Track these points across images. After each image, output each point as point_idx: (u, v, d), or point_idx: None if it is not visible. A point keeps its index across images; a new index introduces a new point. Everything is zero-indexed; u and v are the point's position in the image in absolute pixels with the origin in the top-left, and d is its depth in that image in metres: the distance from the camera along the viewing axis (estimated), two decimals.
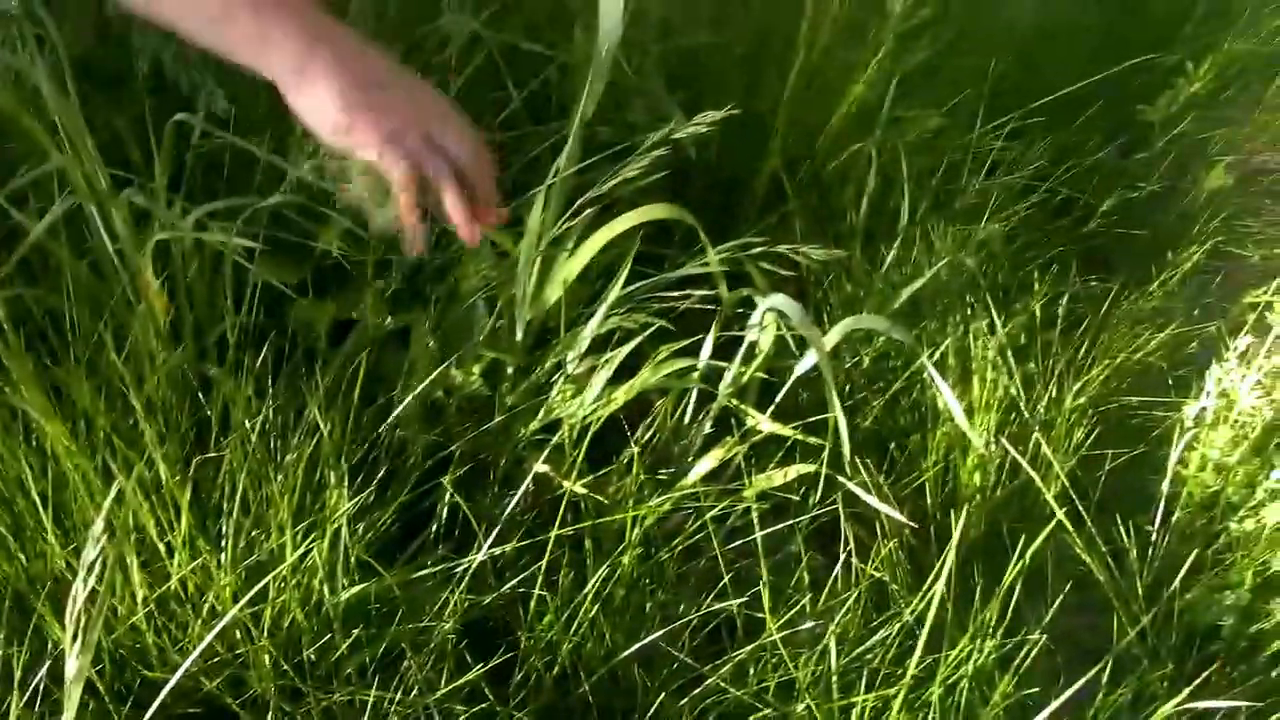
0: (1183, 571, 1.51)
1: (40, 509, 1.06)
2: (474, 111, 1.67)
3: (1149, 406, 1.88)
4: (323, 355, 1.37)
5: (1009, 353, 1.69)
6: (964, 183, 1.96)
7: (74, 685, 0.87)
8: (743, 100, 1.86)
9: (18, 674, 1.01)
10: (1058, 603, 1.44)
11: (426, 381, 1.30)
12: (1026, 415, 1.67)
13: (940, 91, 2.09)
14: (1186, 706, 1.19)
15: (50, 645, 1.06)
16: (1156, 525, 1.62)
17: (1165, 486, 1.66)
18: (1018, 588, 1.26)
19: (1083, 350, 1.82)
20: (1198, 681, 1.38)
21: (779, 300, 1.24)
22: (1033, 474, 1.51)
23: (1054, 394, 1.71)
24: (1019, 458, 1.53)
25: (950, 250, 1.82)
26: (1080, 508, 1.57)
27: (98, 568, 0.82)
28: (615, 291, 1.30)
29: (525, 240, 1.26)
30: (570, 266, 1.30)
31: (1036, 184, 2.12)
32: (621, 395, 1.35)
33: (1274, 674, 1.48)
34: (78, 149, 1.13)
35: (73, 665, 0.86)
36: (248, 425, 1.13)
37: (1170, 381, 1.95)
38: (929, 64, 2.01)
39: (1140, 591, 1.50)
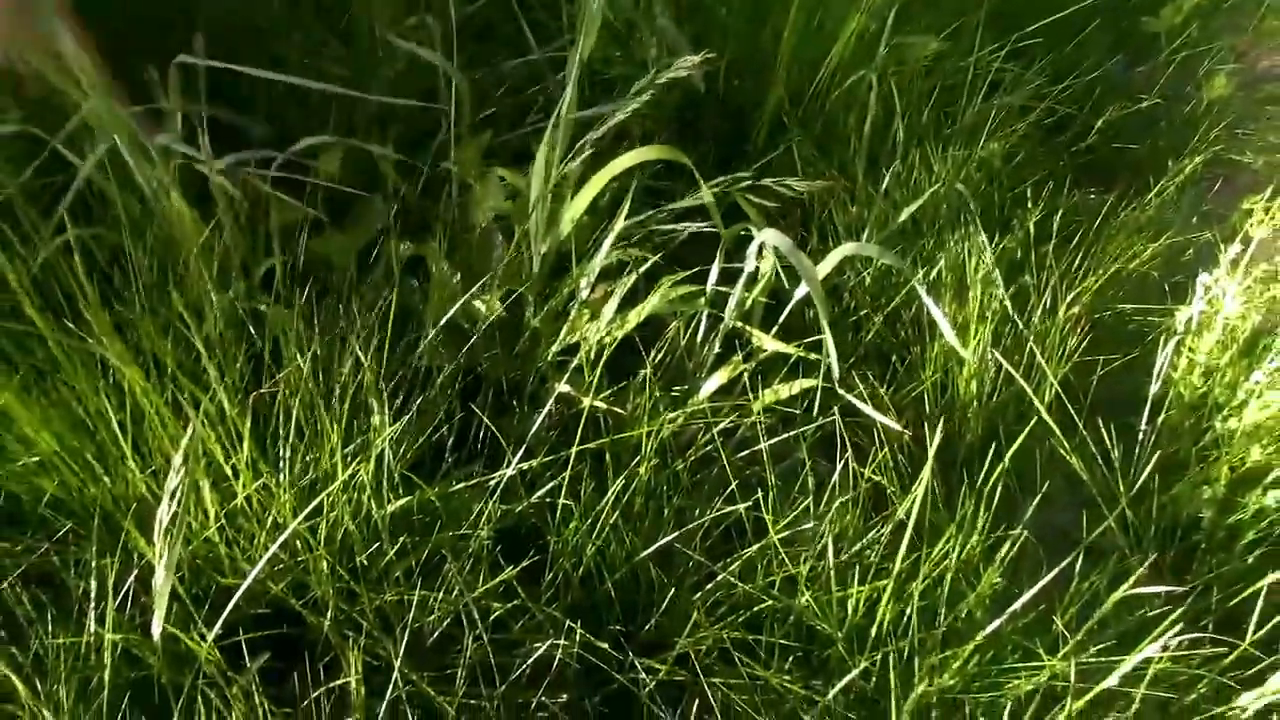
0: (1152, 466, 1.61)
1: (121, 439, 1.19)
2: (488, 46, 1.78)
3: (1143, 314, 1.97)
4: (351, 287, 1.49)
5: (1003, 266, 1.79)
6: (964, 104, 2.03)
7: (162, 593, 1.02)
8: (748, 35, 1.96)
9: (111, 581, 1.15)
10: (1045, 500, 1.55)
11: (451, 312, 1.41)
12: (1021, 326, 1.77)
13: (941, 17, 2.15)
14: (1140, 590, 1.29)
15: (136, 557, 1.21)
16: (1144, 425, 1.72)
17: (1155, 389, 1.76)
18: (999, 488, 1.37)
19: (1077, 261, 1.90)
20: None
21: (771, 234, 1.34)
22: (1023, 383, 1.62)
23: (1048, 304, 1.80)
24: (1010, 368, 1.64)
25: (950, 171, 1.91)
26: (1072, 411, 1.67)
27: (178, 493, 0.95)
28: (619, 224, 1.41)
29: (535, 177, 1.37)
30: (578, 203, 1.40)
31: (1035, 103, 2.19)
32: (634, 317, 1.47)
33: (1248, 560, 1.59)
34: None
35: (161, 576, 1.00)
36: (299, 358, 1.26)
37: (1166, 289, 2.04)
38: None
39: (1122, 486, 1.61)
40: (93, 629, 1.15)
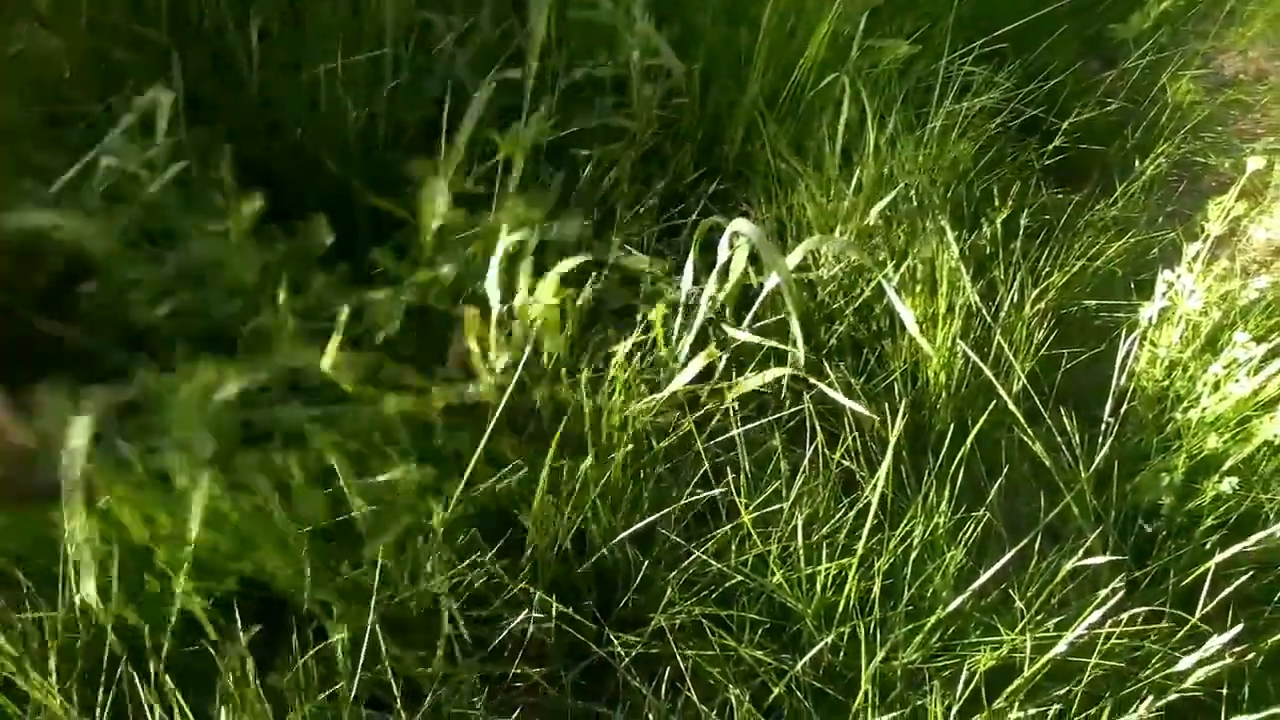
0: (1114, 455, 1.66)
1: None
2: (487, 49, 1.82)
3: (1109, 309, 2.03)
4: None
5: (972, 262, 1.85)
6: (935, 105, 2.09)
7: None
8: (726, 37, 2.02)
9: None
10: (1011, 487, 1.62)
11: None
12: (989, 319, 1.82)
13: (913, 21, 2.22)
14: (1091, 561, 1.35)
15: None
16: (1108, 416, 1.78)
17: (1119, 382, 1.81)
18: (962, 471, 1.43)
19: (1044, 258, 1.96)
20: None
21: (742, 224, 1.40)
22: (989, 374, 1.67)
23: (1016, 299, 1.86)
24: (977, 360, 1.69)
25: (922, 169, 1.97)
26: (1038, 402, 1.73)
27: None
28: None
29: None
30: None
31: (1005, 105, 2.25)
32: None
33: (1205, 546, 1.65)
34: None
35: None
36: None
37: (1131, 286, 2.10)
38: None
39: (1083, 473, 1.67)
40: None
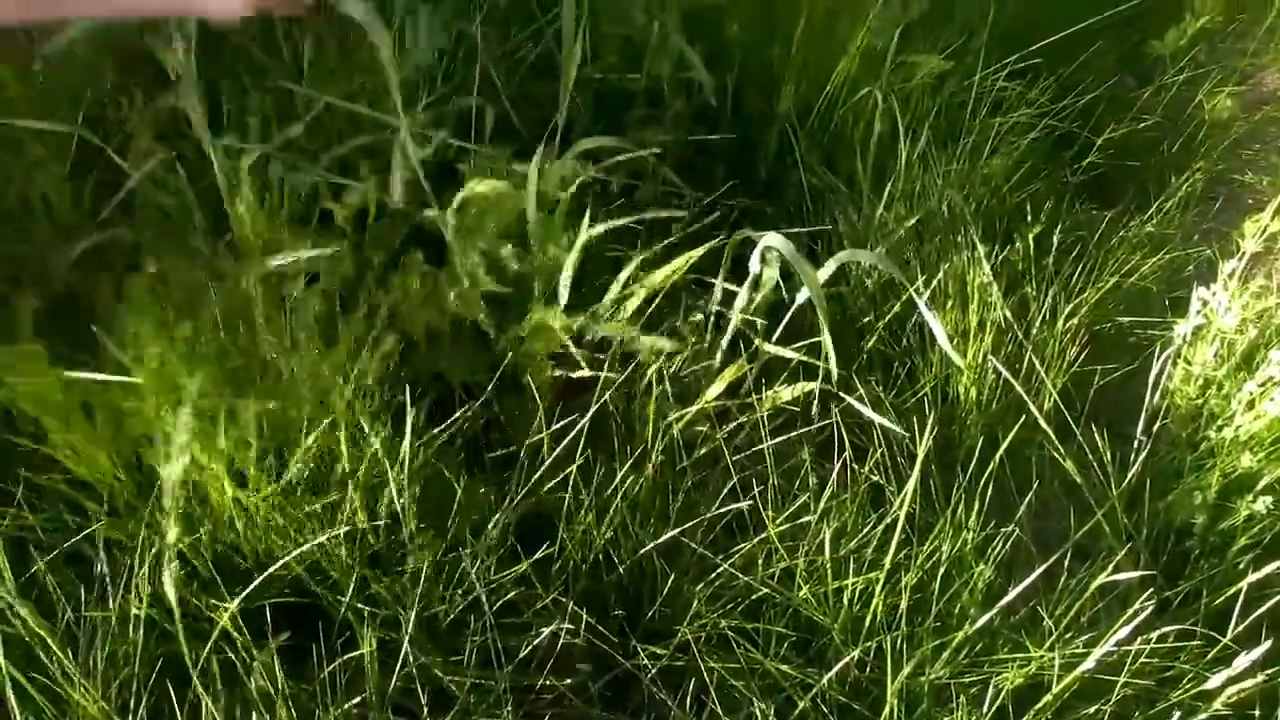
0: (1147, 473, 1.65)
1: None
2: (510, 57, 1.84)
3: (1142, 327, 2.02)
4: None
5: (1004, 278, 1.85)
6: (968, 120, 2.09)
7: (171, 548, 1.08)
8: (758, 51, 2.03)
9: (135, 558, 1.22)
10: (1042, 504, 1.62)
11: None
12: (1021, 335, 1.82)
13: (947, 36, 2.22)
14: (1119, 577, 1.34)
15: (159, 539, 1.27)
16: (1141, 434, 1.77)
17: (1152, 399, 1.80)
18: (990, 486, 1.43)
19: (1078, 274, 1.96)
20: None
21: (774, 238, 1.40)
22: (1020, 390, 1.67)
23: (1048, 315, 1.86)
24: (1008, 375, 1.69)
25: (954, 184, 1.97)
26: (1070, 419, 1.73)
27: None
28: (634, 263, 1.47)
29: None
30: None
31: (1039, 120, 2.25)
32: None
33: (1238, 565, 1.64)
34: None
35: (171, 533, 1.07)
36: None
37: (1165, 303, 2.09)
38: (934, 11, 2.14)
39: (1117, 492, 1.66)
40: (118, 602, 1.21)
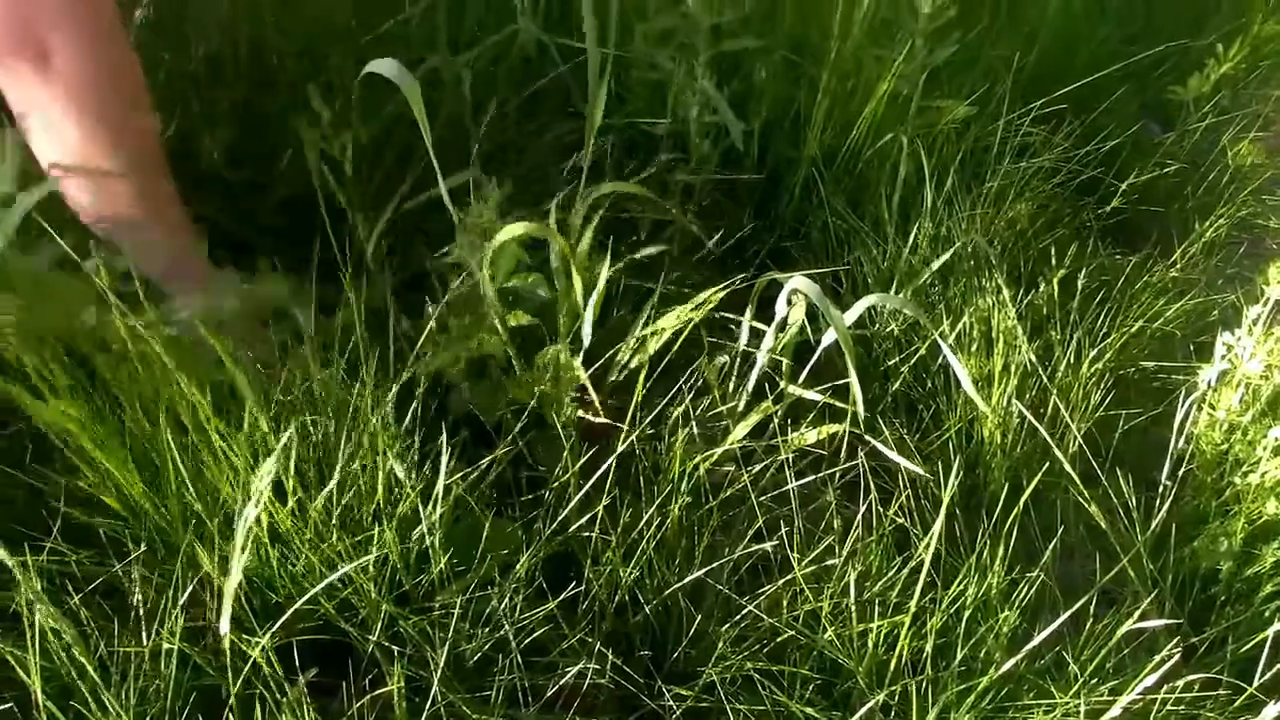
0: (1172, 519, 1.65)
1: (180, 466, 1.28)
2: (542, 106, 1.88)
3: (1167, 372, 2.02)
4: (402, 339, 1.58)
5: (1029, 322, 1.86)
6: (993, 165, 2.11)
7: (230, 591, 1.10)
8: (784, 95, 2.05)
9: (170, 594, 1.23)
10: (1066, 549, 1.63)
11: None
12: (1045, 379, 1.83)
13: (971, 82, 2.24)
14: (1145, 624, 1.34)
15: (192, 574, 1.29)
16: (1165, 479, 1.77)
17: (1177, 444, 1.80)
18: (1015, 530, 1.43)
19: (1102, 318, 1.96)
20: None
21: (800, 281, 1.42)
22: (1045, 434, 1.68)
23: (1072, 359, 1.86)
24: (1033, 420, 1.70)
25: (979, 228, 1.99)
26: (1094, 464, 1.73)
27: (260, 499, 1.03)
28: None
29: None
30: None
31: (1063, 165, 2.26)
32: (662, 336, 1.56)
33: (1265, 613, 1.63)
34: None
35: (235, 573, 1.08)
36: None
37: (1190, 348, 2.09)
38: (959, 57, 2.16)
39: (1140, 536, 1.66)
40: (153, 637, 1.22)
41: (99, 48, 1.29)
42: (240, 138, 1.79)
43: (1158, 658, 1.23)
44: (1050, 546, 1.52)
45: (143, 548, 1.31)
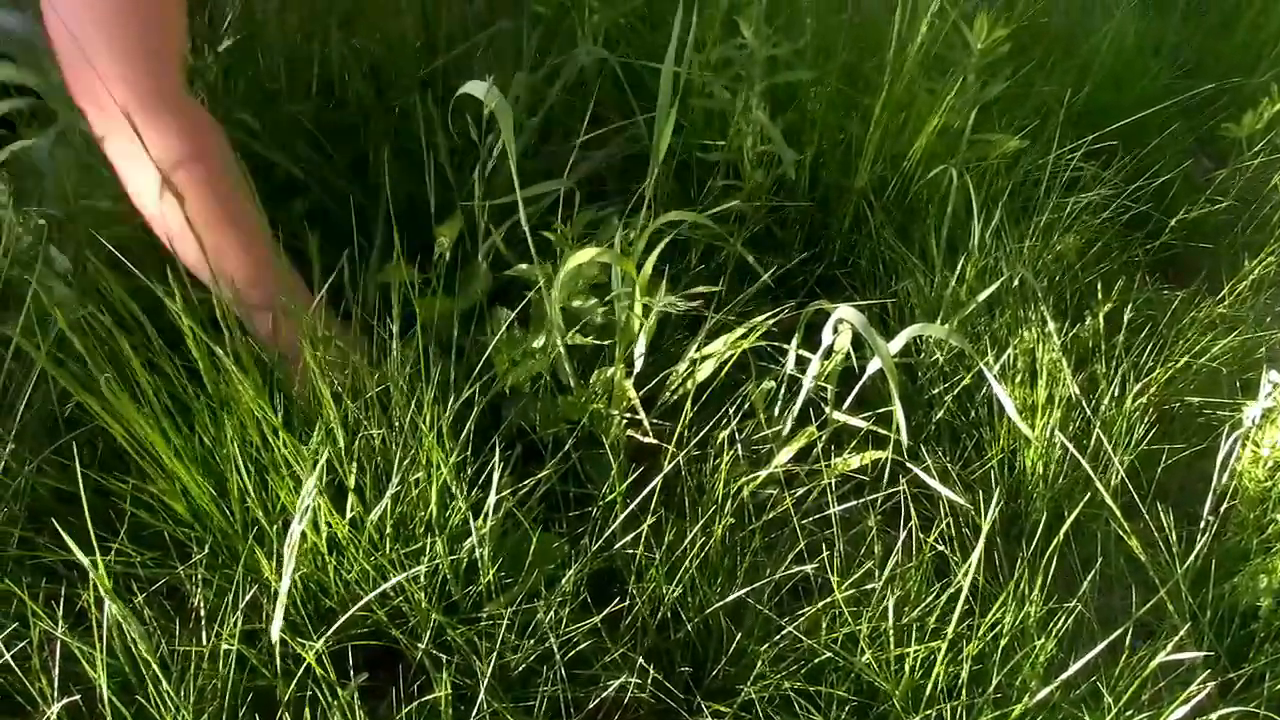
0: (1213, 554, 1.66)
1: (243, 472, 1.33)
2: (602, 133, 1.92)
3: (1212, 408, 2.03)
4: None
5: (1074, 354, 1.87)
6: (1042, 199, 2.13)
7: (282, 597, 1.14)
8: (837, 126, 2.09)
9: (229, 597, 1.28)
10: (1106, 581, 1.64)
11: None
12: (1089, 412, 1.84)
13: (1022, 116, 2.26)
14: (1180, 656, 1.35)
15: (250, 579, 1.34)
16: (1208, 515, 1.78)
17: (1220, 480, 1.81)
18: (1054, 559, 1.45)
19: (1147, 353, 1.98)
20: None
21: (847, 311, 1.45)
22: (1087, 466, 1.69)
23: (1117, 393, 1.88)
24: (1075, 452, 1.71)
25: (1026, 261, 2.01)
26: (1136, 497, 1.74)
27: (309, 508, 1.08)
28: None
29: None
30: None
31: (1112, 200, 2.28)
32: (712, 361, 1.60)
33: None
34: None
35: (286, 581, 1.13)
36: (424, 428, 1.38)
37: (1237, 385, 2.10)
38: (1011, 92, 2.19)
39: (1179, 570, 1.67)
40: (213, 638, 1.27)
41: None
42: (312, 152, 1.85)
43: (1191, 687, 1.25)
44: (1089, 577, 1.53)
45: (206, 551, 1.36)
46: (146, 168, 1.34)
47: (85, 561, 1.10)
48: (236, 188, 1.43)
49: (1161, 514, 1.71)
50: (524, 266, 1.57)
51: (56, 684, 1.18)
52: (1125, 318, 1.99)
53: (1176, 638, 1.52)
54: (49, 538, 1.32)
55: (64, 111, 1.49)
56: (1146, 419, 1.87)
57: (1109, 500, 1.64)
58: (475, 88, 1.29)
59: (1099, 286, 2.04)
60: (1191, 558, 1.66)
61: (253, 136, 1.75)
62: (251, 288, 1.48)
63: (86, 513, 1.17)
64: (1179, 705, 1.25)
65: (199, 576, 1.34)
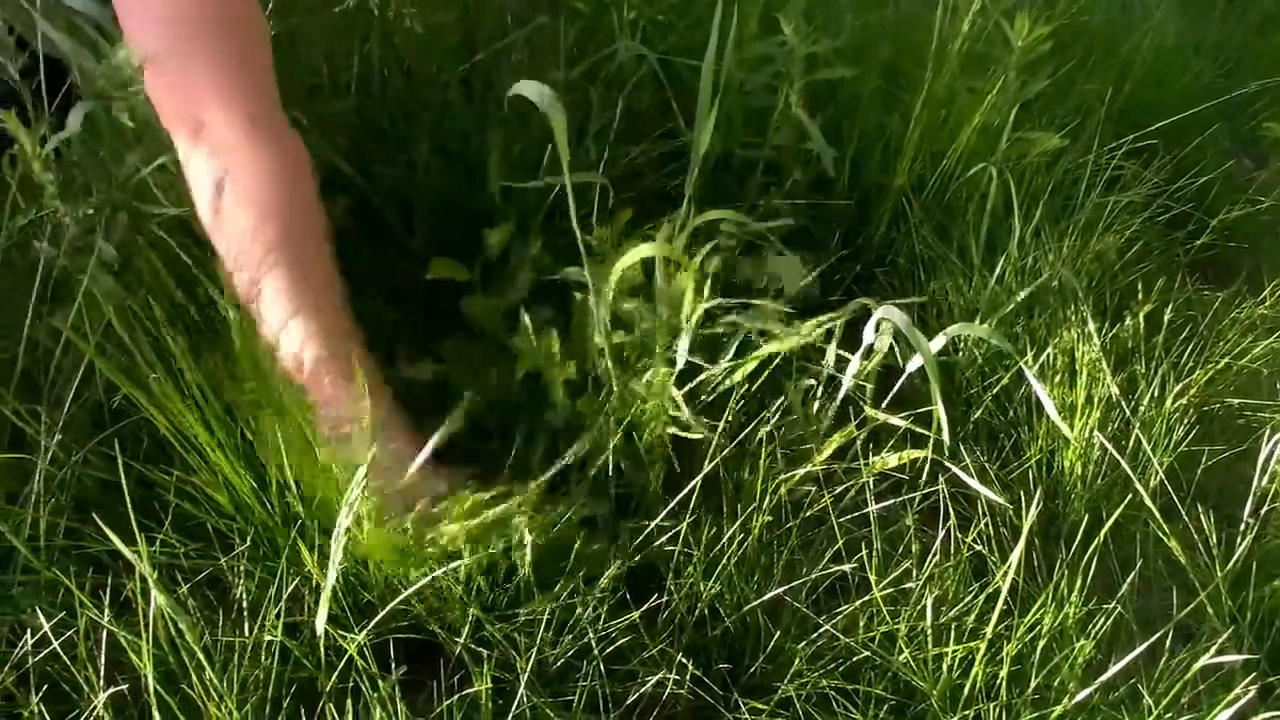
0: (1253, 556, 1.65)
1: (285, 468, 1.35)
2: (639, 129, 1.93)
3: (1252, 409, 2.02)
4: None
5: (1113, 355, 1.86)
6: (1082, 198, 2.12)
7: (326, 591, 1.15)
8: (876, 124, 2.08)
9: (271, 589, 1.29)
10: (1145, 583, 1.63)
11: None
12: (1128, 413, 1.83)
13: (1063, 115, 2.25)
14: (1221, 660, 1.35)
15: (293, 572, 1.35)
16: (1248, 517, 1.76)
17: (1260, 482, 1.80)
18: (1094, 560, 1.44)
19: (1187, 353, 1.96)
20: None
21: (890, 310, 1.45)
22: (1126, 467, 1.68)
23: (1156, 393, 1.87)
24: (1115, 452, 1.71)
25: (1066, 261, 2.00)
26: (1175, 499, 1.73)
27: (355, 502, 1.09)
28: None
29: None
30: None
31: (1153, 200, 2.27)
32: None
33: None
34: None
35: (332, 574, 1.14)
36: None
37: (1278, 386, 2.08)
38: (1051, 90, 2.18)
39: (1219, 572, 1.66)
40: (255, 630, 1.29)
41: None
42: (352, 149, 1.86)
43: (1233, 694, 1.24)
44: (1129, 579, 1.53)
45: (248, 543, 1.37)
46: (237, 194, 1.29)
47: (129, 554, 1.11)
48: (321, 235, 1.38)
49: (1201, 516, 1.70)
50: (572, 270, 1.57)
51: (103, 673, 1.20)
52: (1165, 318, 1.98)
53: (1217, 641, 1.52)
54: (94, 528, 1.34)
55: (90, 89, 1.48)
56: (1186, 420, 1.86)
57: (1148, 501, 1.63)
58: (526, 88, 1.29)
59: (1139, 286, 2.03)
60: (1232, 560, 1.65)
61: (304, 131, 1.77)
62: (322, 377, 1.38)
63: (129, 504, 1.18)
64: (1220, 709, 1.24)
65: (241, 568, 1.36)
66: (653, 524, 1.47)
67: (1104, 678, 1.36)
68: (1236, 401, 2.00)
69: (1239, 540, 1.67)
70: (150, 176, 1.45)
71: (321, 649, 1.25)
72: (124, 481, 1.24)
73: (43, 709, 1.21)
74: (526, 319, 1.56)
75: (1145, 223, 2.23)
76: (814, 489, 1.61)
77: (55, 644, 1.21)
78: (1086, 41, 2.50)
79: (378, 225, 1.82)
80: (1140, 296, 2.01)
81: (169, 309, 1.36)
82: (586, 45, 2.10)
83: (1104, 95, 2.26)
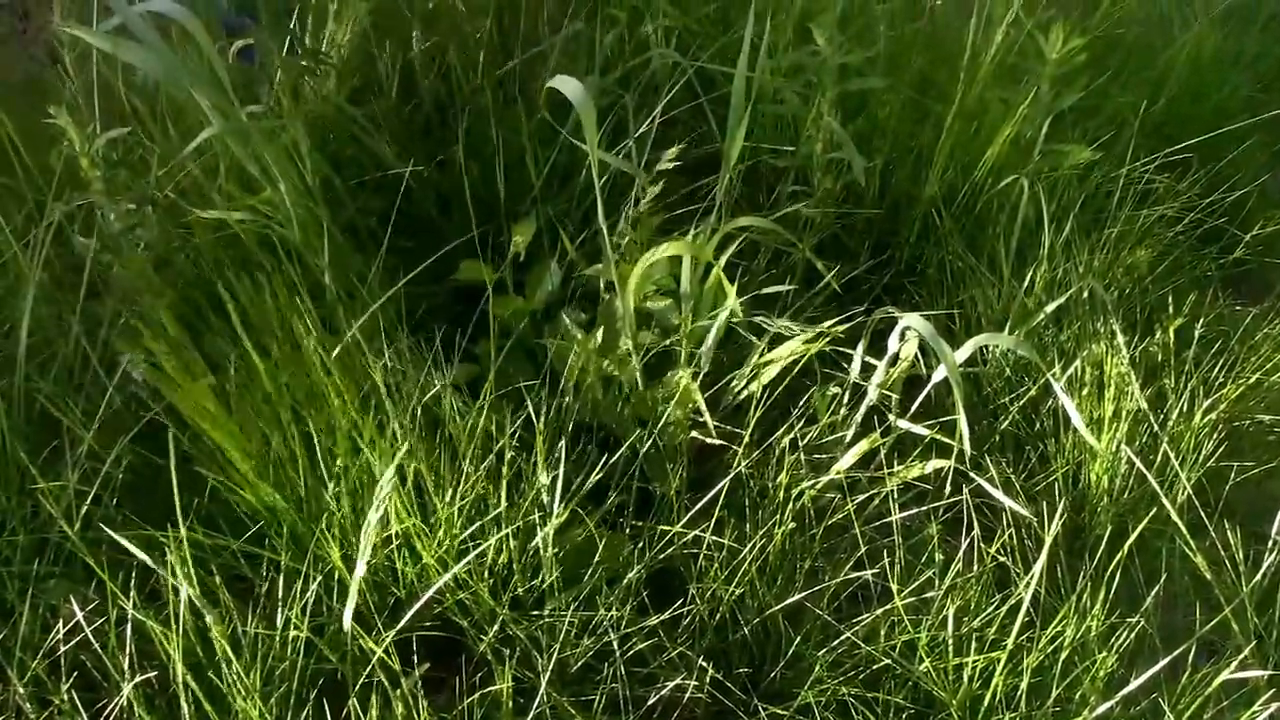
0: None
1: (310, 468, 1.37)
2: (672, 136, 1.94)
3: None
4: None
5: (1140, 368, 1.86)
6: (1114, 211, 2.11)
7: (355, 584, 1.17)
8: (907, 134, 2.08)
9: (298, 585, 1.31)
10: (1170, 598, 1.62)
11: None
12: (1156, 427, 1.82)
13: (1096, 127, 2.24)
14: (1244, 674, 1.34)
15: (319, 567, 1.37)
16: (1276, 534, 1.75)
17: None
18: (1118, 574, 1.44)
19: (1217, 368, 1.95)
20: None
21: (914, 319, 1.45)
22: (1153, 481, 1.68)
23: (1185, 408, 1.86)
24: (1142, 466, 1.70)
25: (1096, 273, 1.99)
26: (1203, 514, 1.73)
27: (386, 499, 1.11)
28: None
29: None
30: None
31: (1185, 214, 2.26)
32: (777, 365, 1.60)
33: None
34: None
35: (360, 568, 1.15)
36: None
37: None
38: (1085, 102, 2.17)
39: (1245, 588, 1.65)
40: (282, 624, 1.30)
41: None
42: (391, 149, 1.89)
43: (1253, 709, 1.24)
44: (1153, 594, 1.53)
45: (278, 539, 1.40)
46: None
47: (162, 545, 1.13)
48: None
49: (1228, 532, 1.70)
50: (597, 267, 1.59)
51: (133, 663, 1.22)
52: (1196, 333, 1.97)
53: (1240, 657, 1.51)
54: (127, 520, 1.36)
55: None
56: (1215, 435, 1.85)
57: (1175, 516, 1.62)
58: (563, 83, 1.31)
59: (1170, 300, 2.02)
60: (1258, 577, 1.64)
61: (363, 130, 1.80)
62: None
63: (174, 492, 1.20)
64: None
65: (268, 564, 1.38)
66: (674, 528, 1.48)
67: (1125, 691, 1.36)
68: (1267, 418, 1.99)
69: (1266, 557, 1.66)
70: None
71: (348, 643, 1.27)
72: (158, 476, 1.25)
73: (73, 695, 1.23)
74: (567, 320, 1.58)
75: (1177, 236, 2.22)
76: (837, 496, 1.61)
77: (87, 631, 1.23)
78: (1122, 54, 2.49)
79: (419, 219, 1.85)
80: (1171, 310, 2.00)
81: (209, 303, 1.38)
82: (622, 51, 2.12)
83: (1138, 108, 2.25)
